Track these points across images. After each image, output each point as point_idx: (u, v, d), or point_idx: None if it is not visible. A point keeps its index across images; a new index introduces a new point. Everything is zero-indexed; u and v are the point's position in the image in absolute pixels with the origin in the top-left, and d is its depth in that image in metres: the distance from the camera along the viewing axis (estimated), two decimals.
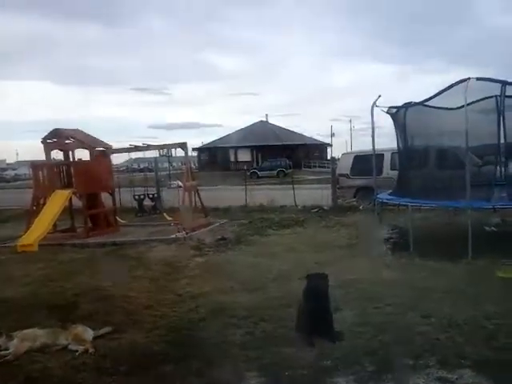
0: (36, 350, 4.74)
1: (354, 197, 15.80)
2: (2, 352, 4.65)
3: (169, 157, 17.05)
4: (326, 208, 15.18)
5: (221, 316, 5.57)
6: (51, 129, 12.74)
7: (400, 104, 10.26)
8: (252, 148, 54.56)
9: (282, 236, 11.07)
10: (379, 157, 13.23)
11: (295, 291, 5.57)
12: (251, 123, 61.12)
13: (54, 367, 4.39)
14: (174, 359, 4.42)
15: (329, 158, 41.83)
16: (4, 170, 68.04)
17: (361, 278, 6.88)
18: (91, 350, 4.68)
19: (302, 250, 9.17)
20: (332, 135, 66.46)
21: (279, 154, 48.77)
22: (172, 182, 18.86)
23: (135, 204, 16.55)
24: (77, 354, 4.65)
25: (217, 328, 5.18)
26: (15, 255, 9.99)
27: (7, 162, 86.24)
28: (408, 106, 9.93)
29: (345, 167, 16.21)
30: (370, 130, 10.62)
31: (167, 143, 14.79)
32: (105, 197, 13.47)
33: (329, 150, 61.46)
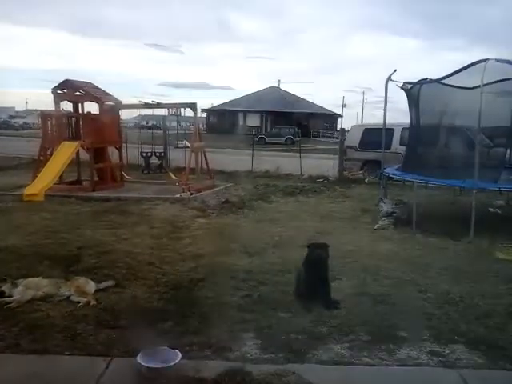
0: (39, 298, 4.83)
1: (361, 169, 15.78)
2: (7, 298, 4.74)
3: (178, 116, 17.01)
4: (331, 179, 15.19)
5: (220, 277, 5.63)
6: (62, 79, 12.68)
7: (415, 80, 10.09)
8: (262, 113, 54.12)
9: (286, 203, 11.10)
10: (389, 131, 13.10)
11: (295, 258, 5.66)
12: (262, 88, 60.45)
13: (55, 317, 4.48)
14: (173, 316, 4.51)
15: (338, 128, 41.45)
16: (13, 117, 67.83)
17: (361, 249, 6.95)
18: (93, 303, 4.78)
19: (304, 219, 9.22)
20: (343, 106, 65.90)
21: (289, 121, 48.41)
22: (180, 142, 18.84)
23: (142, 161, 16.60)
24: (78, 305, 4.74)
25: (215, 288, 5.26)
26: (21, 204, 10.09)
27: (16, 109, 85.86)
28: (423, 82, 9.77)
29: (354, 139, 16.13)
30: (383, 104, 10.48)
31: (177, 102, 14.74)
32: (112, 152, 13.50)
33: (339, 120, 61.00)
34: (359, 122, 43.59)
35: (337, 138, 26.10)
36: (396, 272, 5.94)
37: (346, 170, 15.87)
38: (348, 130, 18.95)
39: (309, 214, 9.68)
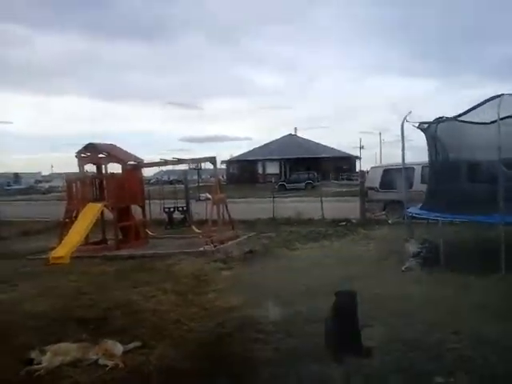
0: (67, 364, 4.82)
1: (383, 210, 15.63)
2: (35, 366, 4.73)
3: (198, 170, 17.30)
4: (354, 221, 15.06)
5: (248, 331, 5.55)
6: (86, 142, 13.13)
7: (431, 119, 10.13)
8: (280, 161, 54.58)
9: (310, 249, 11.01)
10: (409, 170, 13.07)
11: (322, 307, 5.53)
12: (280, 137, 61.27)
13: (84, 382, 4.46)
14: (203, 375, 4.44)
15: (357, 170, 41.51)
16: (39, 181, 69.78)
17: (390, 293, 6.77)
18: (121, 365, 4.75)
19: (329, 265, 9.08)
20: (361, 148, 66.17)
21: (307, 166, 48.64)
22: (201, 195, 19.07)
23: (165, 216, 16.77)
24: (107, 369, 4.71)
25: (244, 343, 5.18)
26: (47, 267, 10.23)
27: (42, 174, 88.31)
28: (440, 121, 9.80)
29: (374, 180, 16.09)
30: (400, 143, 10.48)
31: (196, 157, 15.05)
32: (135, 209, 13.71)
33: (357, 162, 61.10)
34: (378, 163, 43.55)
35: (357, 180, 26.11)
36: (428, 314, 5.76)
37: (368, 212, 15.75)
38: (367, 172, 18.97)
39: (334, 260, 9.54)
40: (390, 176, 15.19)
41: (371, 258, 9.49)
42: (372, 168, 18.47)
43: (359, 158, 62.55)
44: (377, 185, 15.83)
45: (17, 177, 72.52)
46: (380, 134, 76.28)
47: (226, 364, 4.67)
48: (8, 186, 62.55)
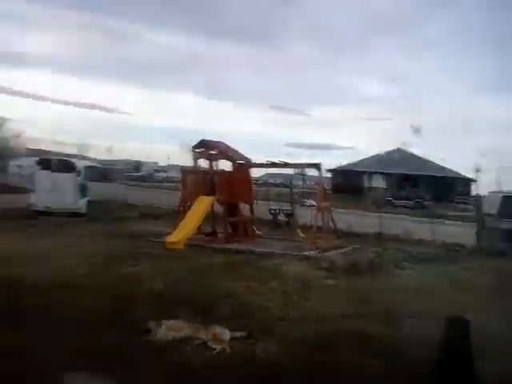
0: (179, 340, 5.14)
1: (506, 240, 14.46)
2: (151, 337, 5.13)
3: (303, 175, 17.40)
4: (469, 247, 14.11)
5: (350, 345, 5.44)
6: (197, 138, 13.94)
7: None
8: (388, 175, 52.95)
9: (421, 271, 10.49)
10: None
11: (434, 332, 5.29)
12: (388, 149, 59.41)
13: (193, 360, 4.75)
14: (296, 378, 4.50)
15: (473, 194, 39.04)
16: (157, 171, 74.05)
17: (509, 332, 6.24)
18: (228, 350, 4.97)
19: (441, 290, 8.49)
20: (477, 170, 61.93)
21: (416, 184, 46.78)
22: (305, 200, 19.15)
23: (270, 217, 17.07)
24: (214, 352, 4.96)
25: (346, 358, 5.04)
26: (164, 251, 10.94)
27: (159, 164, 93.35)
28: None
29: (492, 207, 15.03)
30: None
31: (302, 162, 15.16)
32: (243, 206, 14.12)
33: (472, 186, 57.35)
34: (496, 188, 40.57)
35: (470, 205, 24.57)
36: None
37: (486, 240, 14.70)
38: (484, 196, 17.84)
39: (446, 285, 8.94)
40: (510, 204, 14.13)
41: (489, 290, 8.74)
42: (490, 193, 17.31)
43: (474, 181, 58.67)
44: (495, 212, 14.79)
45: (138, 164, 77.18)
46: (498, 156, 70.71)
47: (329, 372, 4.65)
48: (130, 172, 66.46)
